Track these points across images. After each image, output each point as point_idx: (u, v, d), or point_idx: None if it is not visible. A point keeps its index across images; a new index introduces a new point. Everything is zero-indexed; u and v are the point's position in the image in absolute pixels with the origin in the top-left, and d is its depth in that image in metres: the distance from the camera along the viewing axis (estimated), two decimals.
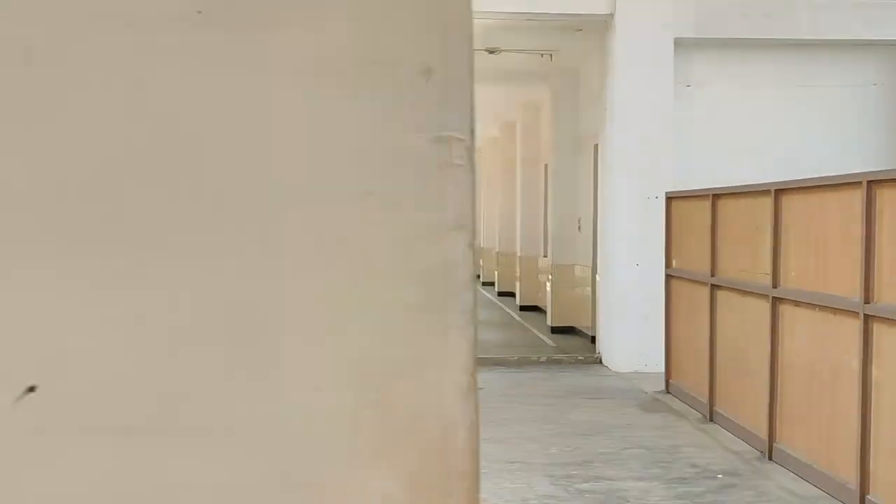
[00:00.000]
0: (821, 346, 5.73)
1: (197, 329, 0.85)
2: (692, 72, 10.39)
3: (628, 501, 5.47)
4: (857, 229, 5.18)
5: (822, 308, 5.75)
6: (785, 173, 8.54)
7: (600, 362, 10.58)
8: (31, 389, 0.85)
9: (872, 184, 5.13)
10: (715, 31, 10.22)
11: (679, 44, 10.05)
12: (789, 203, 6.23)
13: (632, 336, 9.97)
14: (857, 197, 5.25)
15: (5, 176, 0.83)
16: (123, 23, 0.83)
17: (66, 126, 0.84)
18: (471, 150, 0.88)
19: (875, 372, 5.09)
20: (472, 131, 0.87)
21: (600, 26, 10.20)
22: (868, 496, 5.11)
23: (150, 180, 0.85)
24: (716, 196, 7.62)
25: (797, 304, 6.09)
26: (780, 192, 6.34)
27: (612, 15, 9.99)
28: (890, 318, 4.91)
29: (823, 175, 6.22)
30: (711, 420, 7.58)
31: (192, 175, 0.85)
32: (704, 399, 7.77)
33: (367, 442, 0.86)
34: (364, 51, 0.86)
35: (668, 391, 8.82)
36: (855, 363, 5.28)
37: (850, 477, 5.26)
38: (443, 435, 0.87)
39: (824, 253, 5.79)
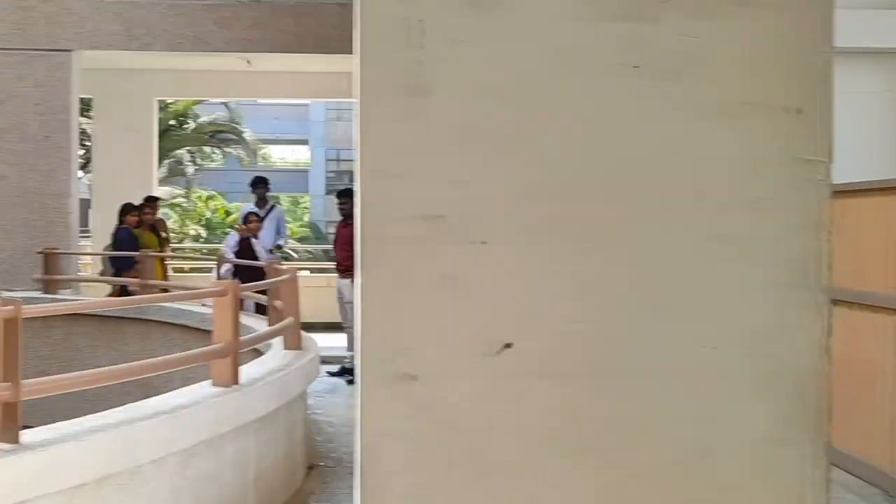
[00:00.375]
0: (863, 342, 6.04)
1: (629, 298, 1.14)
2: None
3: None
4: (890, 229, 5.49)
5: (858, 306, 6.05)
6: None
7: None
8: (508, 346, 1.14)
9: None
10: None
11: None
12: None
13: None
14: (888, 203, 5.57)
15: (497, 189, 1.12)
16: (574, 72, 1.12)
17: (534, 150, 1.13)
18: (829, 169, 1.18)
19: None
20: (831, 155, 1.17)
21: None
22: None
23: (593, 191, 1.14)
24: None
25: (834, 302, 6.39)
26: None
27: None
28: None
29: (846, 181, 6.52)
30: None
31: (621, 187, 1.15)
32: (886, 466, 7.98)
33: (749, 387, 1.16)
34: (750, 95, 1.15)
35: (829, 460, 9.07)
36: (890, 358, 5.58)
37: (888, 462, 5.56)
38: (804, 382, 1.17)
39: (859, 252, 6.09)
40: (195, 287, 8.91)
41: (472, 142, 1.13)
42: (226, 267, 9.31)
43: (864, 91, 10.85)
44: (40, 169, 10.65)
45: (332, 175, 58.92)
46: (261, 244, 10.12)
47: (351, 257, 9.43)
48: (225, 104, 24.42)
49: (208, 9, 10.70)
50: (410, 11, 1.13)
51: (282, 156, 64.17)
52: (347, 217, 9.74)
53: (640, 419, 1.15)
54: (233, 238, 10.11)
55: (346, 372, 9.59)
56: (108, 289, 11.09)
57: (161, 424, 4.03)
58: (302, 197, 60.45)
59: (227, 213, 37.61)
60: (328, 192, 57.72)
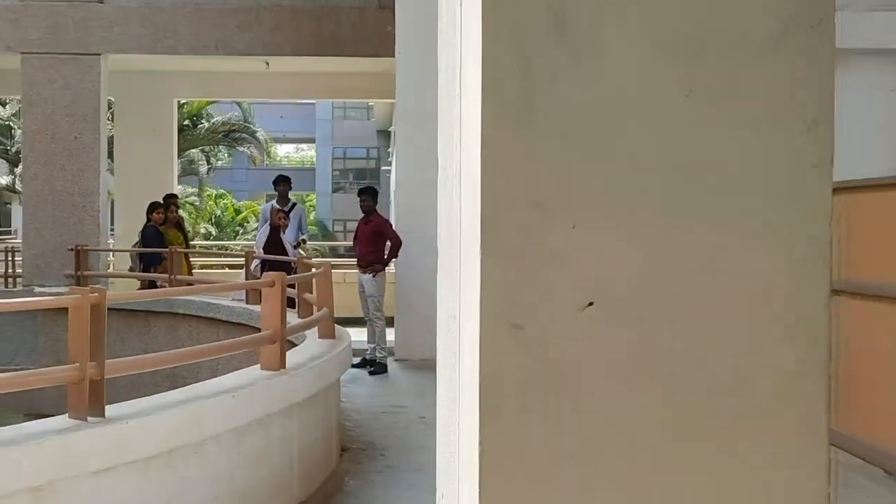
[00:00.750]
0: (866, 327, 6.40)
1: (686, 268, 1.51)
2: None
3: None
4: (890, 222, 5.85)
5: (871, 297, 6.41)
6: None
7: None
8: (591, 304, 1.51)
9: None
10: None
11: None
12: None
13: None
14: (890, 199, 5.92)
15: (586, 184, 1.49)
16: (645, 97, 1.49)
17: (615, 157, 1.50)
18: (831, 172, 1.54)
19: None
20: (832, 160, 1.53)
21: None
22: None
23: (660, 188, 1.51)
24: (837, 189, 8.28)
25: (846, 293, 6.76)
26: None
27: None
28: None
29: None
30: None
31: (680, 184, 1.51)
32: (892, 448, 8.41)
33: (776, 334, 1.53)
34: (773, 113, 1.52)
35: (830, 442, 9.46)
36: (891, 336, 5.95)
37: (890, 442, 5.93)
38: (818, 331, 1.53)
39: (862, 244, 6.45)
40: (230, 281, 9.26)
41: (568, 152, 1.51)
42: (255, 263, 9.69)
43: (879, 88, 11.22)
44: (70, 168, 11.03)
45: (337, 173, 59.32)
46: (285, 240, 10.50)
47: (372, 252, 9.86)
48: (238, 104, 24.82)
49: (231, 13, 11.07)
50: (520, 55, 1.50)
51: (286, 153, 64.44)
52: (368, 214, 10.11)
53: (695, 353, 1.52)
54: (263, 234, 10.45)
55: (367, 363, 9.95)
56: (134, 285, 11.48)
57: (222, 403, 4.41)
58: (308, 195, 60.75)
59: (237, 212, 38.07)
60: (335, 191, 58.17)
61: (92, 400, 3.75)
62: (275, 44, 11.23)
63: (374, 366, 9.87)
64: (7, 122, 24.01)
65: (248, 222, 36.34)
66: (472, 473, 1.53)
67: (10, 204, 31.91)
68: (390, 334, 10.48)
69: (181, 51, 11.24)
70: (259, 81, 14.07)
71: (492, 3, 1.48)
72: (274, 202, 11.31)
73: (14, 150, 23.34)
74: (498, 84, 1.46)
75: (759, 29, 1.51)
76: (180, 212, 12.68)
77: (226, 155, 36.25)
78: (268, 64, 12.78)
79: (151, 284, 10.85)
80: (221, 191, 38.46)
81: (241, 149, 25.47)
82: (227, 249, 23.89)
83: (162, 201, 11.15)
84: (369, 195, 10.27)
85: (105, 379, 3.79)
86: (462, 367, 1.69)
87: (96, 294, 3.73)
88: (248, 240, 31.46)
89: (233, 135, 23.47)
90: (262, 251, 9.95)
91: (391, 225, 10.50)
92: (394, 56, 10.55)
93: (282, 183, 11.26)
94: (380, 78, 13.12)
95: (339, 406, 6.58)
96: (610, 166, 1.49)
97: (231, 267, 15.57)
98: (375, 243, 9.90)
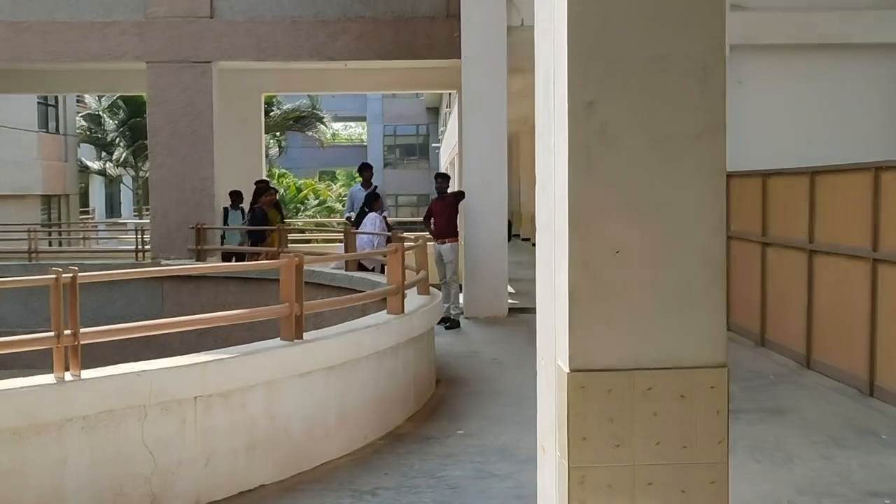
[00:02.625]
0: (848, 281, 8.17)
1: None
2: (743, 71, 12.72)
3: None
4: (869, 201, 7.60)
5: (844, 256, 8.17)
6: (819, 154, 10.98)
7: None
8: (617, 252, 3.40)
9: (879, 170, 7.54)
10: (759, 39, 12.53)
11: (733, 48, 12.39)
12: (821, 181, 8.65)
13: None
14: (868, 178, 7.67)
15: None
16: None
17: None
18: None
19: (880, 294, 7.54)
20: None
21: None
22: (876, 382, 7.57)
23: (646, 205, 3.40)
24: (765, 175, 10.04)
25: (828, 253, 8.53)
26: (815, 173, 8.76)
27: None
28: (894, 260, 7.35)
29: (850, 160, 8.59)
30: (763, 345, 10.03)
31: (656, 204, 3.40)
32: (757, 330, 10.23)
33: (704, 260, 3.40)
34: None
35: (729, 328, 11.26)
36: (866, 291, 7.71)
37: (862, 368, 7.72)
38: (716, 254, 3.41)
39: (846, 216, 8.20)
40: (368, 252, 11.01)
41: (603, 186, 3.37)
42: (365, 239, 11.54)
43: (876, 79, 12.79)
44: (188, 159, 13.08)
45: (387, 149, 61.29)
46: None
47: (448, 225, 11.73)
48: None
49: (321, 24, 12.98)
50: (585, 141, 3.38)
51: (334, 131, 66.31)
52: (442, 193, 12.01)
53: (662, 271, 3.37)
54: (376, 219, 12.13)
55: (443, 320, 11.86)
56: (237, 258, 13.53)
57: (370, 333, 6.37)
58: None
59: (298, 190, 40.27)
60: (385, 166, 60.15)
61: (296, 329, 5.71)
62: (359, 50, 13.14)
63: (449, 322, 11.78)
64: (98, 113, 26.31)
65: (307, 200, 38.62)
66: (563, 329, 3.38)
67: (84, 185, 34.47)
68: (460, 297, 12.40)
69: (280, 58, 13.21)
70: (337, 77, 15.98)
71: (575, 109, 3.32)
72: (359, 185, 13.23)
73: (104, 137, 25.72)
74: (575, 151, 3.33)
75: (691, 126, 3.35)
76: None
77: (283, 137, 38.41)
78: (346, 63, 14.69)
79: (254, 257, 12.90)
80: (283, 170, 40.59)
81: (309, 133, 27.54)
82: (324, 226, 26.07)
83: (268, 187, 13.15)
84: (444, 179, 12.19)
85: (303, 315, 5.76)
86: (556, 289, 3.56)
87: (297, 258, 5.69)
88: (308, 217, 33.63)
89: (302, 121, 25.50)
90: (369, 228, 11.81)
91: (458, 194, 12.32)
92: (459, 57, 12.40)
93: (366, 169, 13.18)
94: (443, 72, 14.98)
95: (434, 346, 8.50)
96: (619, 194, 3.35)
97: (327, 241, 17.63)
98: (450, 218, 11.81)
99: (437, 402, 7.76)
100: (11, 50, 12.94)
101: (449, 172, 31.58)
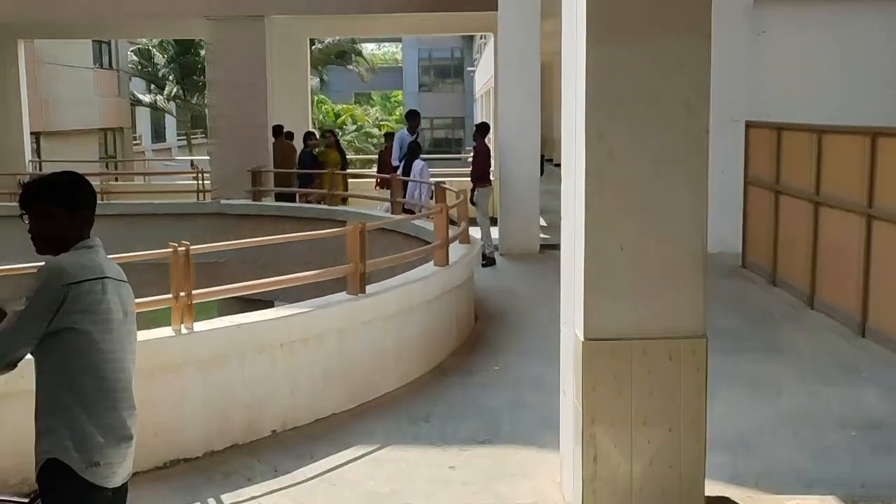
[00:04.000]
0: (846, 232, 9.09)
1: (653, 235, 4.41)
2: (765, 22, 13.36)
3: (720, 329, 8.96)
4: (867, 162, 8.46)
5: (843, 209, 9.06)
6: (835, 104, 11.76)
7: None
8: (621, 248, 4.41)
9: (877, 135, 8.39)
10: None
11: (756, 2, 13.04)
12: (827, 140, 9.49)
13: (717, 223, 13.27)
14: (867, 141, 8.52)
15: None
16: None
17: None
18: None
19: (873, 245, 8.47)
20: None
21: None
22: (867, 323, 8.55)
23: (646, 208, 4.41)
24: (779, 129, 10.85)
25: (831, 206, 9.42)
26: (822, 132, 9.59)
27: None
28: (885, 217, 8.25)
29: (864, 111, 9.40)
30: (774, 285, 10.99)
31: (653, 210, 4.40)
32: (770, 269, 11.17)
33: (694, 229, 4.41)
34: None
35: (744, 266, 12.20)
36: (861, 243, 8.62)
37: (856, 311, 8.69)
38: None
39: (847, 173, 9.06)
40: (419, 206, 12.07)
41: (608, 192, 4.41)
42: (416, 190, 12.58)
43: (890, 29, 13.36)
44: (246, 108, 14.10)
45: (422, 70, 61.58)
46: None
47: (476, 174, 12.66)
48: None
49: None
50: (598, 159, 4.41)
51: (370, 52, 66.49)
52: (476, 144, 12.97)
53: (656, 247, 4.42)
54: (423, 167, 13.15)
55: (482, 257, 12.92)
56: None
57: (420, 285, 7.46)
58: (394, 93, 63.14)
59: (336, 115, 41.16)
60: (421, 89, 60.63)
61: (360, 284, 6.81)
62: (403, 4, 13.94)
63: (486, 259, 12.84)
64: (148, 48, 27.29)
65: (346, 125, 39.52)
66: (579, 298, 4.43)
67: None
68: (494, 233, 13.41)
69: (329, 11, 14.08)
70: (377, 22, 16.76)
71: (590, 137, 4.30)
72: (405, 130, 14.16)
73: (154, 71, 26.75)
74: (590, 169, 4.30)
75: (680, 150, 4.31)
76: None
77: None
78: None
79: (305, 198, 13.98)
80: (322, 96, 41.41)
81: (350, 67, 28.37)
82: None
83: (324, 132, 14.18)
84: (480, 131, 13.18)
85: (366, 272, 6.85)
86: (575, 274, 4.58)
87: (361, 225, 6.75)
88: (347, 141, 34.55)
89: (343, 56, 26.30)
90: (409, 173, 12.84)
91: (480, 149, 13.24)
92: (496, 9, 13.19)
93: (413, 117, 14.10)
94: (479, 15, 15.73)
95: (473, 288, 9.59)
96: (624, 202, 4.34)
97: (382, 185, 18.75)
98: (479, 166, 12.79)
99: (476, 338, 8.88)
100: (86, 11, 13.91)
101: (482, 102, 32.20)
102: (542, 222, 14.51)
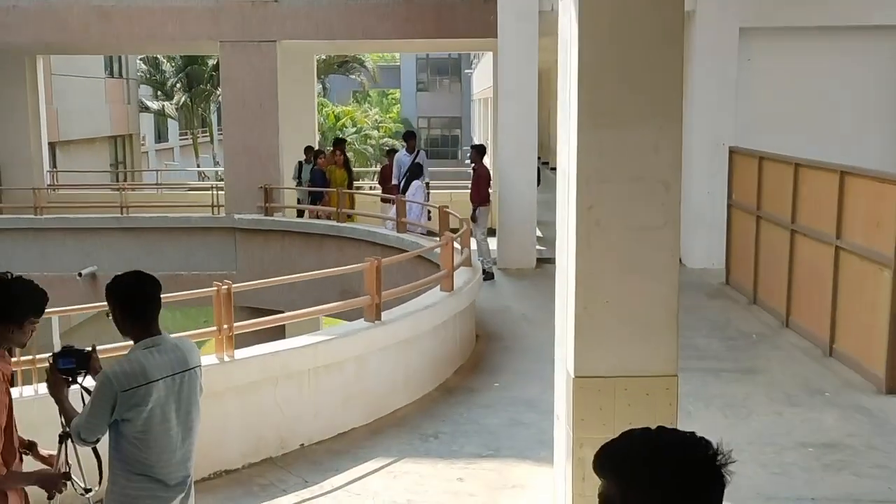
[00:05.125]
0: (817, 260, 9.91)
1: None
2: (752, 50, 14.18)
3: (700, 349, 9.80)
4: (835, 198, 9.28)
5: (815, 239, 9.89)
6: (818, 130, 12.60)
7: (679, 262, 14.78)
8: (607, 301, 5.22)
9: (844, 174, 9.21)
10: (767, 23, 13.95)
11: (743, 31, 13.86)
12: (803, 173, 10.31)
13: (704, 240, 14.12)
14: (836, 178, 9.34)
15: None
16: None
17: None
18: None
19: (840, 274, 9.30)
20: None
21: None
22: (834, 345, 9.38)
23: (627, 235, 5.22)
24: (761, 158, 11.67)
25: (805, 235, 10.24)
26: (798, 166, 10.41)
27: (693, 11, 13.81)
28: (851, 250, 9.07)
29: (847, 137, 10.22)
30: (755, 303, 11.81)
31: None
32: (750, 289, 12.00)
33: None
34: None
35: (727, 283, 13.03)
36: (830, 271, 9.45)
37: (825, 332, 9.52)
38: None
39: (818, 206, 9.88)
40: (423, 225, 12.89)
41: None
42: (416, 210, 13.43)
43: (874, 61, 14.17)
44: (256, 128, 14.88)
45: (419, 68, 62.29)
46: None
47: (475, 195, 13.49)
48: None
49: (372, 7, 14.56)
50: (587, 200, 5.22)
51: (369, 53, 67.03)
52: (474, 168, 13.78)
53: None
54: (419, 189, 14.01)
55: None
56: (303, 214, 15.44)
57: (429, 312, 8.26)
58: (392, 91, 63.83)
59: (337, 118, 41.89)
60: (419, 89, 61.38)
61: (376, 312, 7.61)
62: (405, 30, 14.74)
63: (485, 274, 13.64)
64: (156, 57, 28.01)
65: (346, 128, 40.27)
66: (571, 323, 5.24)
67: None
68: (492, 243, 14.21)
69: (335, 37, 14.86)
70: (381, 42, 17.53)
71: (580, 210, 5.11)
72: (404, 151, 14.96)
73: (162, 79, 27.51)
74: (580, 235, 5.11)
75: (657, 221, 5.11)
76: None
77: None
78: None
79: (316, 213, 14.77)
80: (322, 99, 42.10)
81: (352, 76, 29.15)
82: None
83: (332, 146, 14.97)
84: (477, 152, 13.98)
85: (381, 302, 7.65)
86: (567, 322, 5.40)
87: (377, 261, 7.55)
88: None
89: (345, 65, 27.07)
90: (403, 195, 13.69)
91: (480, 173, 14.05)
92: (495, 36, 13.98)
93: (410, 137, 14.91)
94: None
95: (475, 309, 10.40)
96: (608, 263, 5.14)
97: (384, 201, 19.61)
98: (478, 188, 13.60)
99: (478, 357, 9.69)
100: (98, 35, 14.69)
101: (480, 106, 32.97)
102: (539, 233, 15.32)
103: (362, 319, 7.67)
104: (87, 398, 3.73)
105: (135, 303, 3.61)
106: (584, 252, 5.14)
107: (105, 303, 3.69)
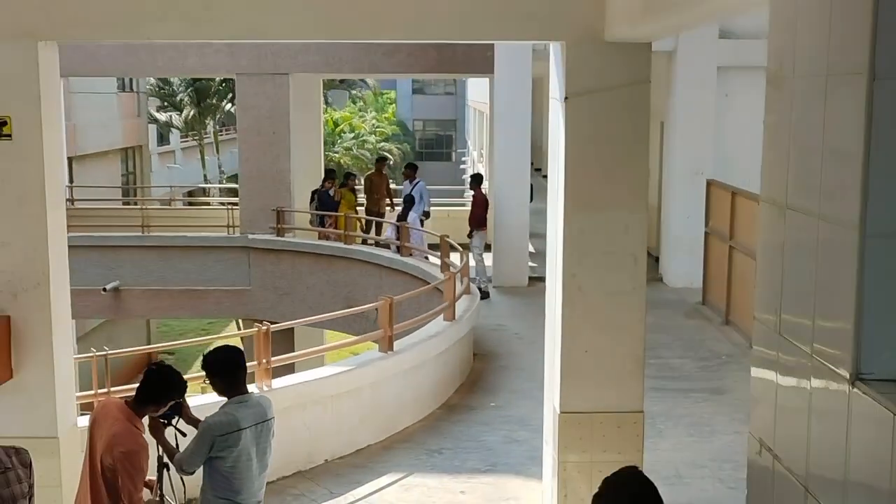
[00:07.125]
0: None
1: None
2: (730, 86, 15.34)
3: (673, 369, 10.96)
4: None
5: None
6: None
7: (661, 280, 15.93)
8: (586, 351, 6.40)
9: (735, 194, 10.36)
10: (744, 62, 15.10)
11: (721, 69, 15.02)
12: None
13: (683, 261, 15.29)
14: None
15: None
16: None
17: None
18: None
19: None
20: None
21: (665, 57, 15.17)
22: None
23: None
24: (734, 192, 12.84)
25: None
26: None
27: (675, 50, 14.95)
28: None
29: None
30: (727, 324, 12.97)
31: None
32: (723, 309, 13.17)
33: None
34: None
35: (703, 303, 14.20)
36: None
37: None
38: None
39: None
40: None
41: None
42: (389, 229, 14.60)
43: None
44: (269, 154, 15.99)
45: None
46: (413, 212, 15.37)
47: (472, 221, 14.66)
48: None
49: (378, 45, 15.65)
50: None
51: None
52: (473, 195, 14.93)
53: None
54: (416, 220, 15.23)
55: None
56: (313, 234, 16.58)
57: (433, 341, 9.42)
58: (387, 92, 64.81)
59: (335, 124, 42.91)
60: (415, 92, 62.43)
61: (389, 344, 8.75)
62: (409, 65, 15.88)
63: (482, 293, 14.78)
64: None
65: (344, 133, 41.32)
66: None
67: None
68: (488, 259, 15.37)
69: (344, 71, 16.00)
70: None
71: (566, 277, 6.26)
72: (407, 182, 16.12)
73: (171, 93, 28.57)
74: (565, 298, 6.26)
75: (627, 285, 6.27)
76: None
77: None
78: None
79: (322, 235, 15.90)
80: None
81: (354, 91, 30.23)
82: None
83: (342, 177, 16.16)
84: (475, 182, 15.15)
85: (394, 335, 8.79)
86: (553, 367, 6.56)
87: (390, 299, 8.69)
88: (346, 148, 36.35)
89: (347, 81, 28.12)
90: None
91: (477, 200, 15.21)
92: (492, 72, 15.12)
93: (411, 169, 16.09)
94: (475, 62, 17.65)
95: (473, 334, 11.56)
96: (588, 321, 6.30)
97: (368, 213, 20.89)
98: (475, 215, 14.77)
99: (476, 376, 10.85)
100: (123, 66, 15.79)
101: (475, 115, 34.07)
102: (531, 248, 16.46)
103: (377, 349, 8.82)
104: (180, 437, 4.87)
105: (234, 371, 4.76)
106: (569, 311, 6.29)
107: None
